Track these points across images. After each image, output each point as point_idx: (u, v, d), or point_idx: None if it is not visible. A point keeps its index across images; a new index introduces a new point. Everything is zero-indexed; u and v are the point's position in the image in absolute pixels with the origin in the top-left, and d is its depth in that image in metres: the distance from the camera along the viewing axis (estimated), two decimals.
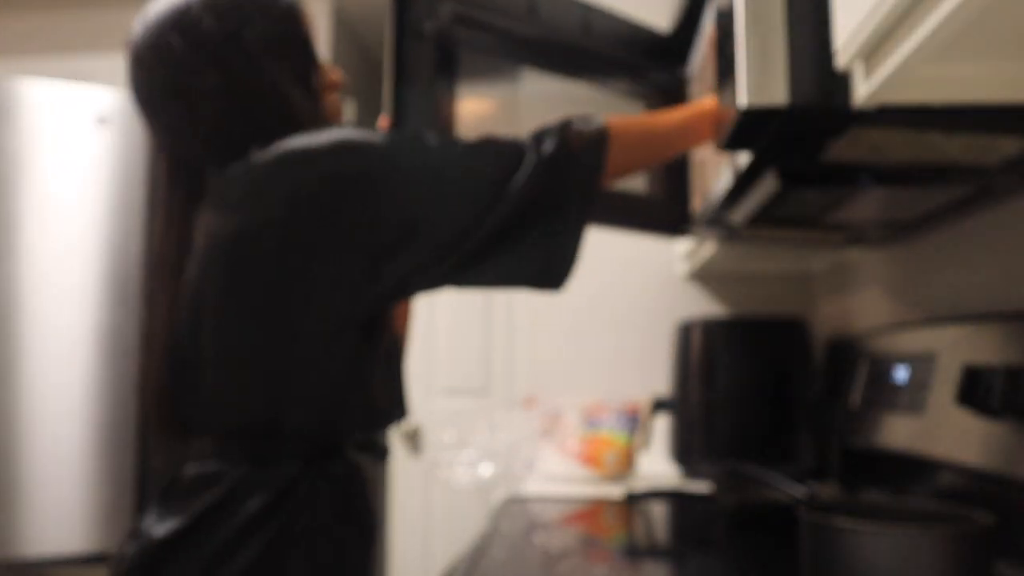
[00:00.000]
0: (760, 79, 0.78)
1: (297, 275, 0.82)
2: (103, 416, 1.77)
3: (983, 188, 0.99)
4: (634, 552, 1.13)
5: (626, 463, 1.65)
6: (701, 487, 1.38)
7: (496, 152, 0.87)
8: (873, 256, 1.52)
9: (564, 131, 0.88)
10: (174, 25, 0.87)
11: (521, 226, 0.85)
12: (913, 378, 1.11)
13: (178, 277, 0.89)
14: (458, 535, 2.23)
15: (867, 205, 1.09)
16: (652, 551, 1.14)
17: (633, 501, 1.37)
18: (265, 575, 0.80)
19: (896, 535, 0.73)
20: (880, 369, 1.24)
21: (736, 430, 1.64)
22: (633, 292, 2.03)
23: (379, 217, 0.82)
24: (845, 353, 1.45)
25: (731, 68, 0.83)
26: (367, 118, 2.97)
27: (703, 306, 1.99)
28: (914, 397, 1.08)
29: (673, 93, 1.27)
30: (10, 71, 2.47)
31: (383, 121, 1.05)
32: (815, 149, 0.88)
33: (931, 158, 0.90)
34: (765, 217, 1.11)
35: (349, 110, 2.85)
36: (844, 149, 0.87)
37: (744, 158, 0.96)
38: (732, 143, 0.91)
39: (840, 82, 0.73)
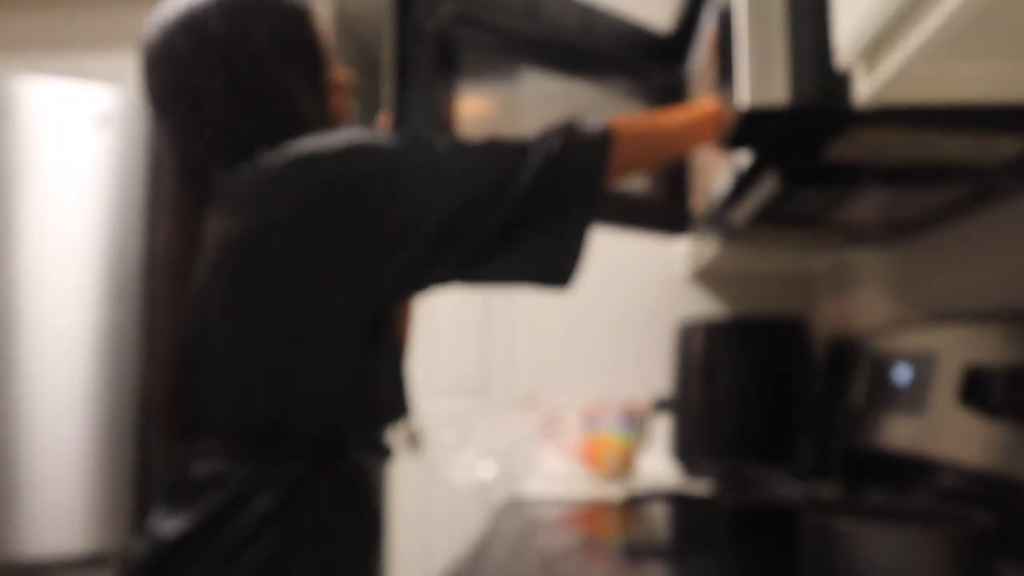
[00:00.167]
0: (761, 78, 0.78)
1: (302, 277, 0.83)
2: (102, 415, 1.77)
3: (983, 188, 0.99)
4: (634, 553, 1.13)
5: (626, 463, 1.65)
6: (701, 487, 1.38)
7: (499, 153, 0.87)
8: (874, 256, 1.52)
9: (568, 132, 0.89)
10: (182, 26, 0.88)
11: (523, 226, 0.85)
12: (914, 378, 1.10)
13: (185, 278, 0.89)
14: (458, 535, 2.23)
15: (868, 205, 1.09)
16: (652, 552, 1.14)
17: (633, 504, 1.37)
18: (271, 575, 0.80)
19: (896, 536, 0.73)
20: (881, 369, 1.24)
21: (737, 430, 1.64)
22: (633, 292, 2.02)
23: (382, 218, 0.83)
24: (846, 353, 1.44)
25: (733, 68, 0.83)
26: (366, 117, 2.97)
27: (703, 306, 1.99)
28: (915, 397, 1.08)
29: (673, 93, 1.27)
30: (11, 69, 2.47)
31: (383, 119, 1.05)
32: (816, 149, 0.88)
33: (931, 158, 0.90)
34: (766, 217, 1.11)
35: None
36: (845, 149, 0.87)
37: (745, 158, 0.96)
38: (733, 142, 0.91)
39: (841, 82, 0.73)
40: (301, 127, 0.89)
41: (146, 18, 0.92)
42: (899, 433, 1.11)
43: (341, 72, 0.97)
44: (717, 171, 1.09)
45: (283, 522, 0.81)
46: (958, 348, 1.00)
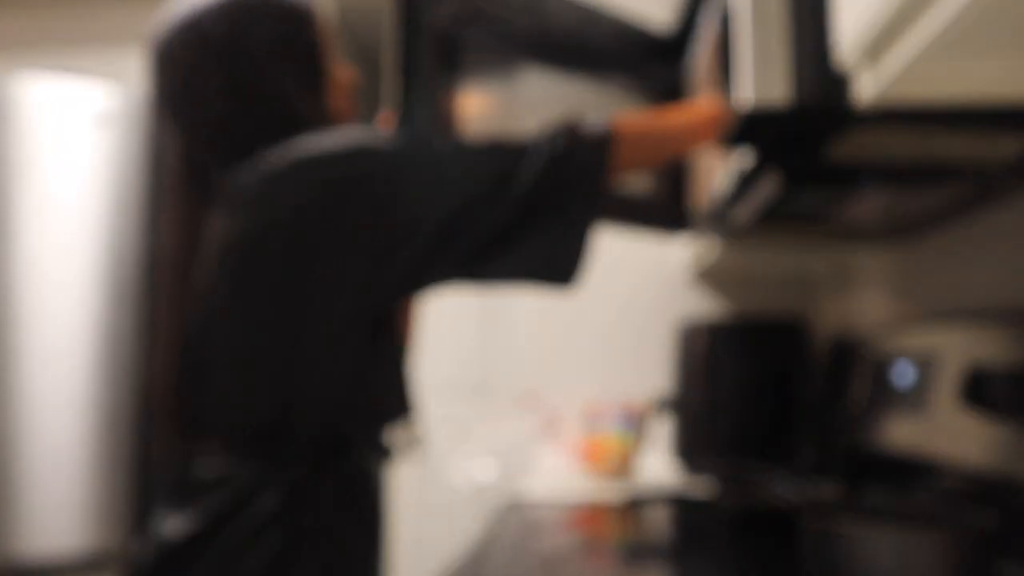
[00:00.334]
0: (762, 78, 0.78)
1: (302, 277, 0.83)
2: (102, 415, 1.77)
3: (984, 188, 0.99)
4: (634, 554, 1.13)
5: (626, 463, 1.65)
6: (702, 487, 1.38)
7: (500, 153, 0.87)
8: (874, 256, 1.52)
9: (568, 131, 0.89)
10: (183, 26, 0.89)
11: (524, 225, 0.85)
12: (915, 378, 1.10)
13: (187, 278, 0.89)
14: (458, 536, 2.23)
15: (868, 205, 1.09)
16: (652, 553, 1.14)
17: (634, 506, 1.37)
18: (274, 575, 0.80)
19: (897, 537, 0.73)
20: (882, 369, 1.23)
21: (737, 430, 1.63)
22: (633, 292, 2.02)
23: (383, 219, 0.83)
24: (847, 353, 1.44)
25: (735, 67, 0.83)
26: (366, 115, 2.97)
27: (704, 306, 1.99)
28: (915, 397, 1.08)
29: (673, 92, 1.27)
30: (11, 67, 2.47)
31: (384, 116, 1.04)
32: (817, 149, 0.88)
33: (932, 158, 0.90)
34: (766, 217, 1.11)
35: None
36: (846, 149, 0.87)
37: (746, 158, 0.96)
38: (734, 142, 0.90)
39: (842, 81, 0.73)
40: (300, 127, 0.89)
41: (148, 16, 0.92)
42: (900, 433, 1.11)
43: (342, 71, 0.97)
44: (718, 171, 1.08)
45: (284, 522, 0.81)
46: (959, 348, 1.00)
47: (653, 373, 1.96)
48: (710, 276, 1.99)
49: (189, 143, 0.91)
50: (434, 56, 1.05)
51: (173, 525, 0.82)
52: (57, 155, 1.78)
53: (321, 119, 0.92)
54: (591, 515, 1.35)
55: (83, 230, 1.79)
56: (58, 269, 1.76)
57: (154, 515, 0.85)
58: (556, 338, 2.05)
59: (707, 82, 1.08)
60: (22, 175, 1.76)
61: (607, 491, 1.50)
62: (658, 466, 1.77)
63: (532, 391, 2.01)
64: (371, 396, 0.87)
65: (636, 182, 1.24)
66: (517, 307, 2.15)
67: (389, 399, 0.91)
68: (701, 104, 1.00)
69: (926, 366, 1.07)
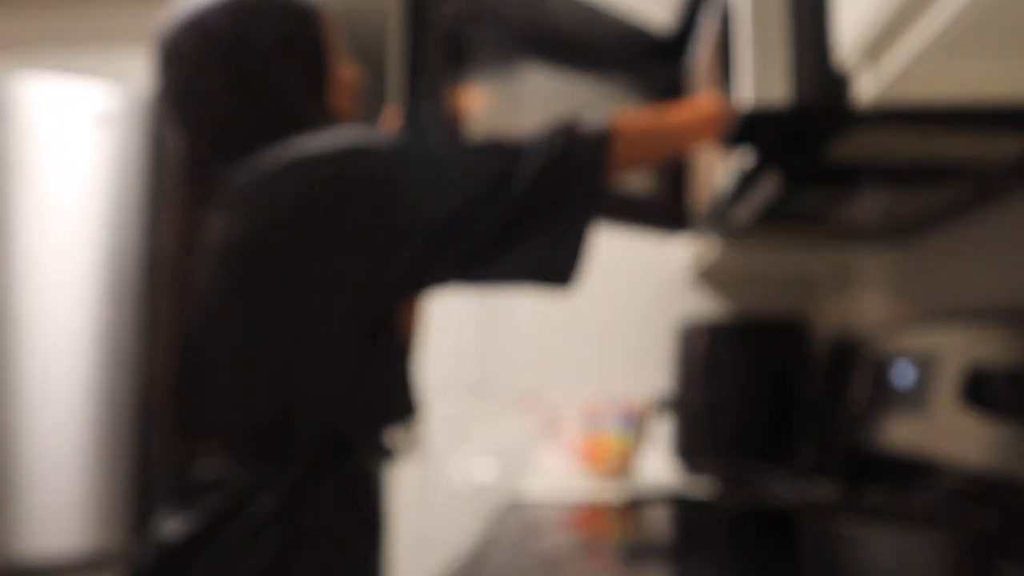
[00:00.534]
0: (763, 78, 0.78)
1: (302, 276, 0.83)
2: (102, 415, 1.77)
3: (984, 188, 0.99)
4: (634, 554, 1.13)
5: (626, 463, 1.65)
6: (702, 487, 1.38)
7: (499, 153, 0.87)
8: (874, 256, 1.51)
9: (568, 131, 0.89)
10: (189, 24, 0.89)
11: (524, 225, 0.85)
12: (915, 378, 1.10)
13: (187, 278, 0.89)
14: (458, 535, 2.23)
15: (868, 205, 1.09)
16: (652, 553, 1.14)
17: (634, 507, 1.37)
18: (275, 575, 0.80)
19: (897, 537, 0.73)
20: (882, 369, 1.23)
21: (737, 430, 1.63)
22: (633, 292, 2.02)
23: (382, 218, 0.83)
24: (847, 353, 1.44)
25: (735, 67, 0.83)
26: (368, 114, 2.97)
27: (704, 306, 1.99)
28: (916, 397, 1.08)
29: (673, 90, 1.27)
30: (11, 67, 2.47)
31: (389, 113, 1.04)
32: (817, 148, 0.88)
33: (932, 158, 0.90)
34: (767, 217, 1.11)
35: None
36: (846, 148, 0.87)
37: (746, 158, 0.96)
38: (734, 142, 0.90)
39: (843, 81, 0.73)
40: (302, 125, 0.89)
41: (149, 16, 0.92)
42: (900, 433, 1.11)
43: (347, 70, 0.97)
44: (718, 171, 1.08)
45: (284, 523, 0.81)
46: (959, 348, 1.00)
47: (653, 373, 1.96)
48: (710, 276, 1.99)
49: (193, 141, 0.92)
50: (440, 53, 1.06)
51: (173, 525, 0.82)
52: (57, 155, 1.78)
53: (324, 118, 0.93)
54: (591, 515, 1.35)
55: (83, 230, 1.79)
56: (58, 269, 1.76)
57: (154, 515, 0.85)
58: (556, 338, 2.04)
59: (707, 81, 1.08)
60: (22, 175, 1.76)
61: (607, 491, 1.50)
62: (658, 466, 1.77)
63: (532, 391, 2.01)
64: (371, 396, 0.87)
65: (636, 181, 1.24)
66: (517, 307, 2.15)
67: (389, 399, 0.91)
68: (701, 102, 1.00)
69: (926, 366, 1.07)
